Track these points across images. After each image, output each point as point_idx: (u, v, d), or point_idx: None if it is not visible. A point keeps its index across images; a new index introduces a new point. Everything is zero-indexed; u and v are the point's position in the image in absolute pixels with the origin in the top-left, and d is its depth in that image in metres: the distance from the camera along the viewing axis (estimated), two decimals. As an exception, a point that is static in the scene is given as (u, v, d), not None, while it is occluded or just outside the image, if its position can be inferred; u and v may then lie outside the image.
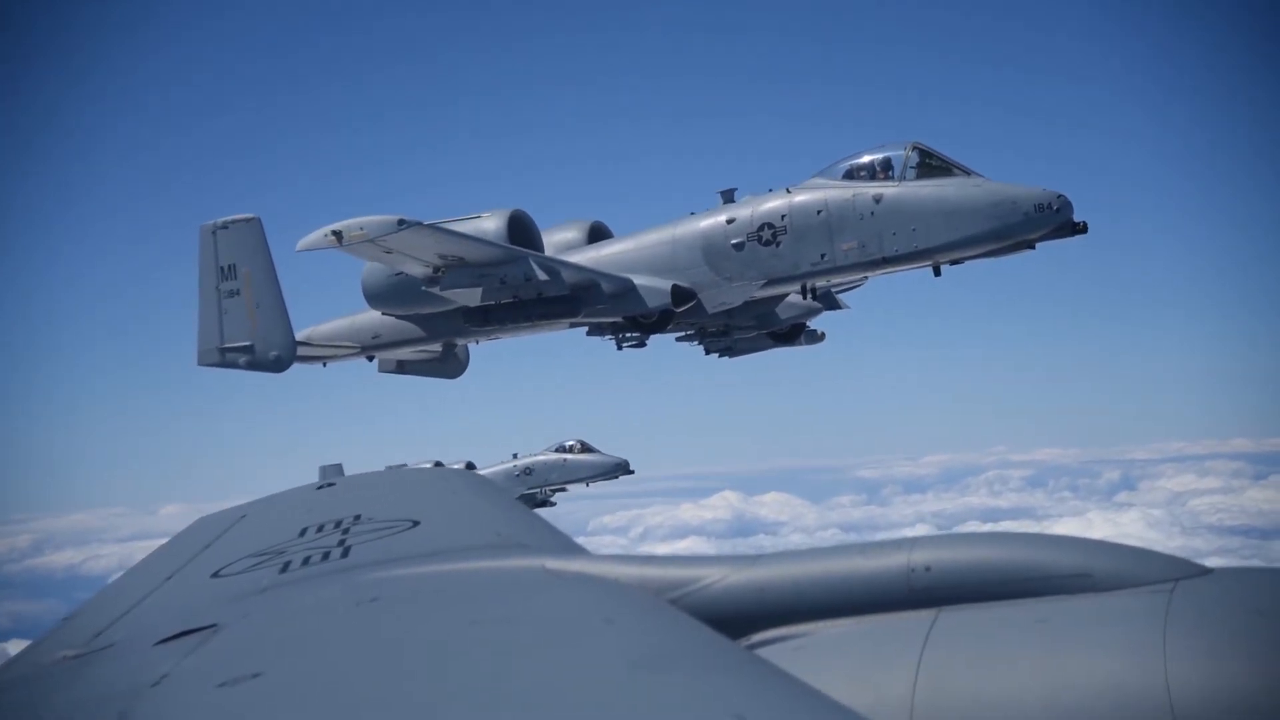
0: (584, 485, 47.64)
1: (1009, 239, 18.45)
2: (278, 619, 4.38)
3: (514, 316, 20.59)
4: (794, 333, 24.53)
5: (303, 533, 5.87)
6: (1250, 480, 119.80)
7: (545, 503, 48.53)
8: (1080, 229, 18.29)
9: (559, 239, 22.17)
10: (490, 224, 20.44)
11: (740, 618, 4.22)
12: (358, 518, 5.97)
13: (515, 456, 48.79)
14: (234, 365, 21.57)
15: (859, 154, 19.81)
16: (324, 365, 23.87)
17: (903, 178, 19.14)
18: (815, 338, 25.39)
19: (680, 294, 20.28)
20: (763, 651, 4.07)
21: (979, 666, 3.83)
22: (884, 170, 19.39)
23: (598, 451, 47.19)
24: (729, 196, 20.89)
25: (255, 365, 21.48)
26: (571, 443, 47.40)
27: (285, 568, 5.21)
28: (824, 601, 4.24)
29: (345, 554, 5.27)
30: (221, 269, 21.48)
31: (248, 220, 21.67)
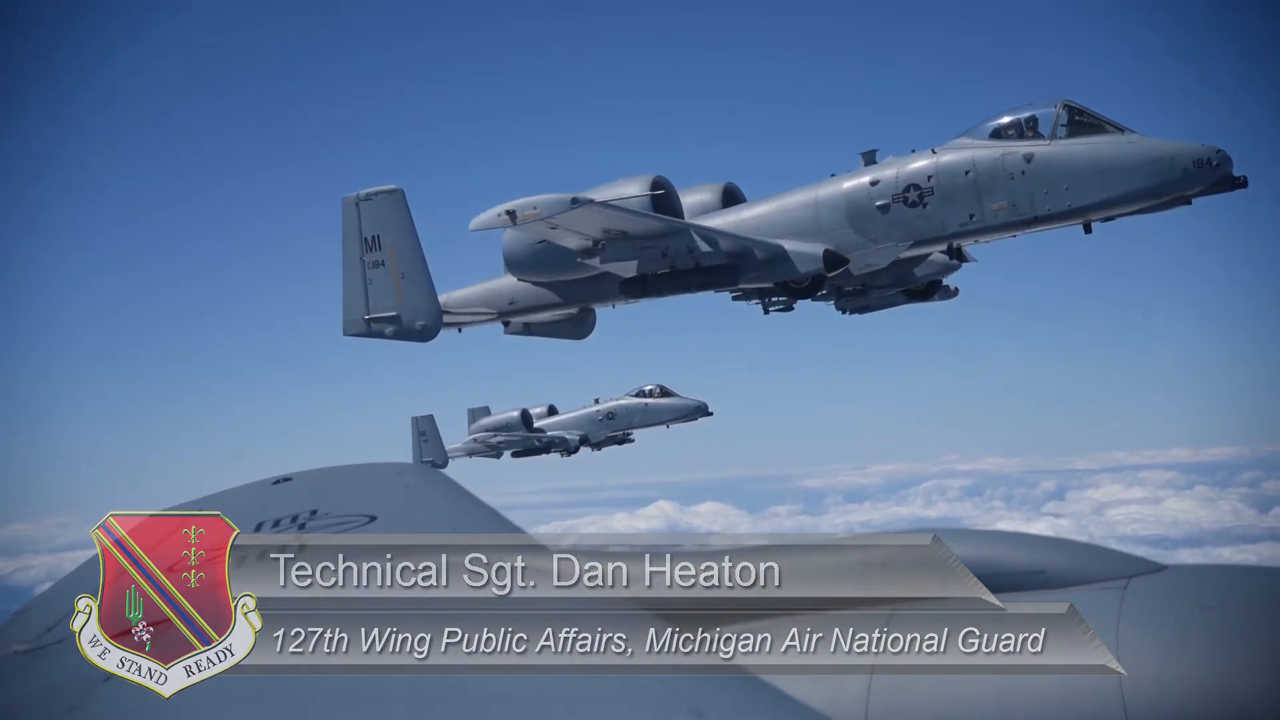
0: (664, 427, 48.29)
1: (1167, 195, 18.33)
2: None
3: (673, 286, 20.64)
4: (930, 289, 24.40)
5: (258, 527, 5.79)
6: (1177, 490, 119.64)
7: (625, 440, 49.45)
8: (1240, 183, 18.11)
9: (693, 201, 22.04)
10: (633, 190, 20.45)
11: (698, 612, 4.28)
12: (314, 512, 5.92)
13: (597, 401, 49.51)
14: (379, 335, 21.78)
15: (1005, 113, 19.60)
16: (459, 331, 24.07)
17: (1054, 136, 18.97)
18: (949, 294, 25.26)
19: (833, 259, 20.21)
20: (725, 644, 4.12)
21: (935, 662, 3.91)
22: (1032, 129, 19.21)
23: (677, 395, 47.76)
24: (870, 158, 20.75)
25: (402, 335, 21.67)
26: (651, 387, 48.24)
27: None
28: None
29: None
30: (365, 240, 21.61)
31: (390, 191, 21.74)
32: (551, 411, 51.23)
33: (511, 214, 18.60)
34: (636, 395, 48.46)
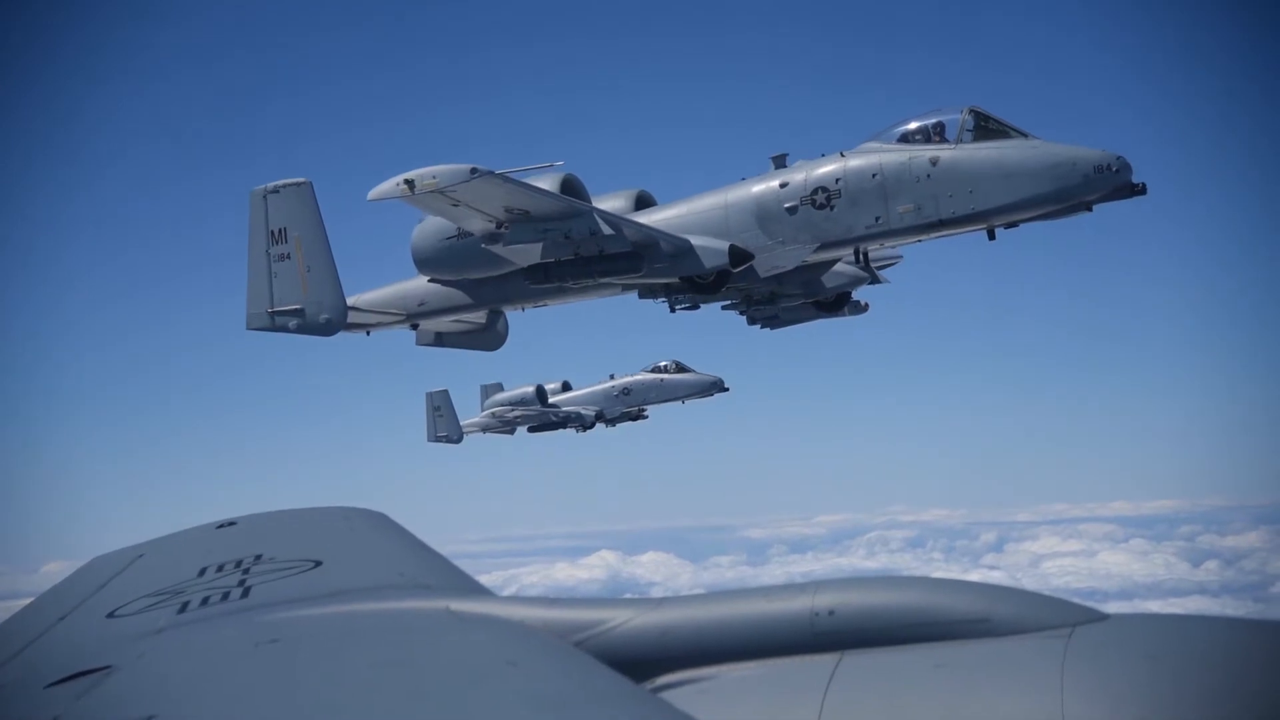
0: (680, 403, 47.99)
1: (1067, 201, 18.24)
2: (174, 660, 4.32)
3: (576, 272, 20.39)
4: (839, 302, 24.38)
5: (202, 572, 5.75)
6: (1114, 544, 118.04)
7: (640, 416, 49.11)
8: (1139, 190, 18.04)
9: (606, 207, 21.76)
10: (544, 186, 20.19)
11: (645, 660, 4.23)
12: (259, 557, 5.88)
13: (612, 377, 49.28)
14: (284, 329, 21.72)
15: (914, 118, 19.51)
16: (368, 334, 24.02)
17: (959, 140, 18.87)
18: (859, 308, 25.22)
19: (738, 255, 20.12)
20: (667, 694, 4.08)
21: (880, 711, 3.84)
22: (939, 133, 19.15)
23: (693, 371, 47.46)
24: (780, 162, 20.67)
25: (305, 329, 21.61)
26: (666, 363, 48.03)
27: (183, 608, 5.13)
28: (728, 645, 4.24)
29: (245, 594, 5.22)
30: (272, 233, 21.55)
31: (298, 184, 21.67)
32: (566, 387, 51.00)
33: (410, 183, 18.24)
34: (652, 371, 48.23)
